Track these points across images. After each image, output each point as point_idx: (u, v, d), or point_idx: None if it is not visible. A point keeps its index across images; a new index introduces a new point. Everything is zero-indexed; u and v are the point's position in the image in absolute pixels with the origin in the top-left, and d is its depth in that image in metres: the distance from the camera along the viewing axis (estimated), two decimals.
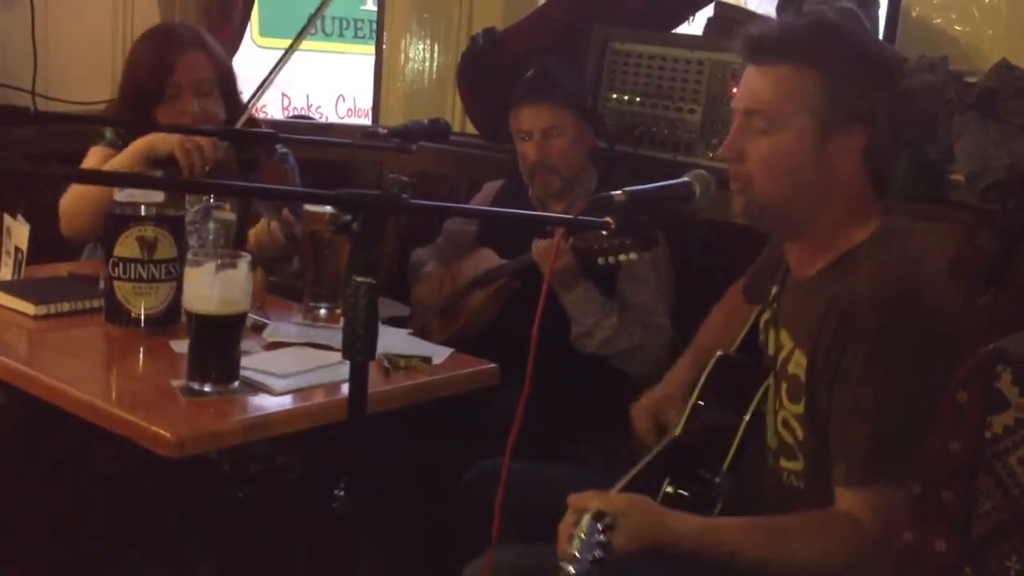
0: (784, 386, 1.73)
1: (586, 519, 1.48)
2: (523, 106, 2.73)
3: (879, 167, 1.69)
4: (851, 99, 1.64)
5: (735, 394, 1.81)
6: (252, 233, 2.46)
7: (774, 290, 1.85)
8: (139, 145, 2.52)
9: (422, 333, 2.53)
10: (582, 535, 1.45)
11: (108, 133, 2.74)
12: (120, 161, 2.53)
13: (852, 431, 1.57)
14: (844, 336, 1.58)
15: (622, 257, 2.14)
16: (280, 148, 2.83)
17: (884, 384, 1.55)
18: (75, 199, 2.58)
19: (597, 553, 1.42)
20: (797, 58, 1.65)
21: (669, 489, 1.76)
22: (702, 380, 1.88)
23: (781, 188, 1.67)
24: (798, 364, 1.68)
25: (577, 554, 1.42)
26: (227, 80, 2.76)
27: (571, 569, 1.40)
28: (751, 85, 1.70)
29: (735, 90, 1.80)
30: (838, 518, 1.57)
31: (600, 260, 2.18)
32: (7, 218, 2.39)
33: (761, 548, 1.57)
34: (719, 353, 1.90)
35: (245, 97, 2.79)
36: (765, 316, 1.86)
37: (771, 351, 1.80)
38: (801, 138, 1.64)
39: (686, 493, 1.74)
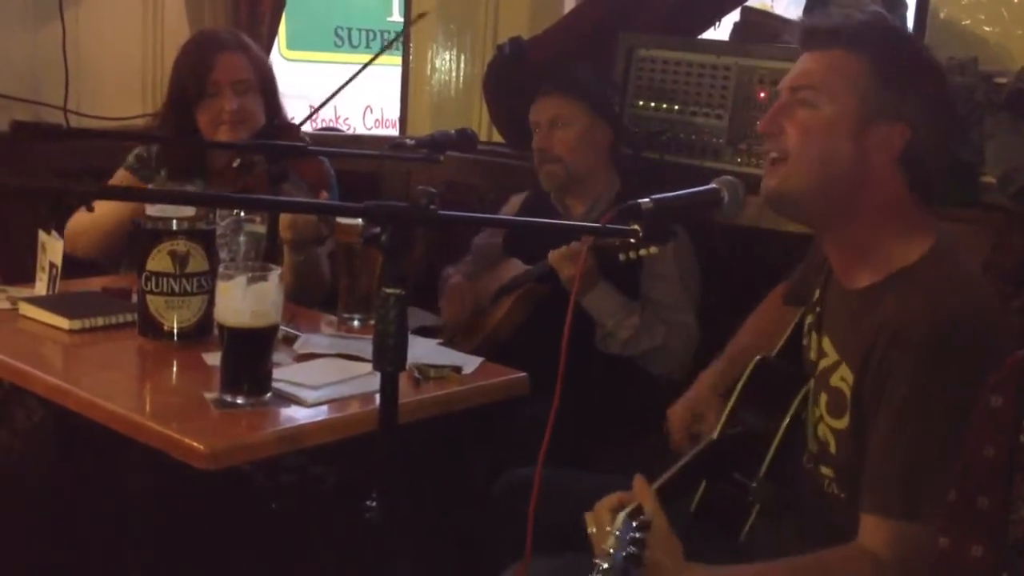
0: (824, 397, 1.70)
1: (621, 516, 1.48)
2: (535, 99, 2.80)
3: (919, 173, 1.65)
4: (898, 95, 1.62)
5: (774, 398, 1.80)
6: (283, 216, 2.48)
7: (817, 293, 1.82)
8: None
9: (452, 343, 2.54)
10: (617, 532, 1.45)
11: (131, 158, 2.80)
12: None
13: (889, 459, 1.53)
14: (894, 358, 1.54)
15: (643, 252, 2.13)
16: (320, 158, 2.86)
17: (929, 413, 1.51)
18: (78, 221, 2.67)
19: (631, 550, 1.41)
20: (851, 44, 1.64)
21: (705, 488, 1.76)
22: (741, 384, 1.86)
23: (813, 167, 1.64)
24: (843, 379, 1.65)
25: (611, 551, 1.42)
26: (267, 82, 2.81)
27: (604, 564, 1.39)
28: (802, 66, 1.69)
29: (763, 95, 1.79)
30: (857, 559, 1.53)
31: (621, 256, 2.18)
32: (42, 234, 2.42)
33: None
34: (758, 357, 1.89)
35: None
36: (809, 319, 1.84)
37: (812, 356, 1.78)
38: (842, 117, 1.62)
39: (722, 495, 1.73)
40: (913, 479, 1.51)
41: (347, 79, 2.54)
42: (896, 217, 1.65)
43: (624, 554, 1.40)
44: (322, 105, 2.72)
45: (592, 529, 1.57)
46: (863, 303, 1.66)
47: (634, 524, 1.45)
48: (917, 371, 1.52)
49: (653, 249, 2.11)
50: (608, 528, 1.50)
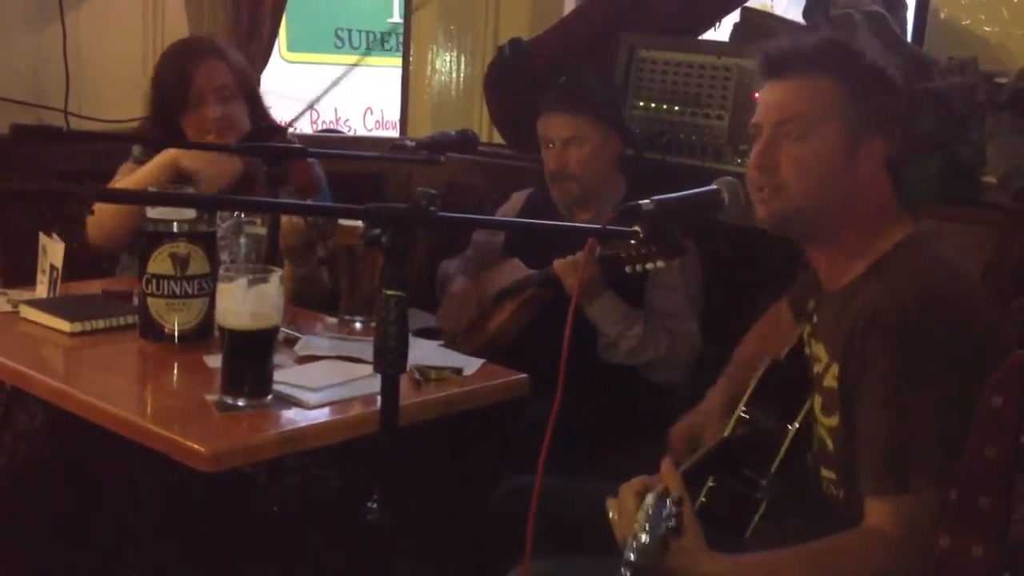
0: (819, 399, 1.72)
1: (651, 497, 1.47)
2: (547, 114, 2.76)
3: (899, 175, 1.71)
4: (871, 109, 1.68)
5: (785, 399, 1.81)
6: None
7: (811, 304, 1.85)
8: (163, 160, 2.60)
9: (453, 345, 2.54)
10: (649, 511, 1.43)
11: (136, 151, 2.80)
12: (145, 173, 2.61)
13: (874, 439, 1.56)
14: (869, 344, 1.57)
15: (649, 265, 2.13)
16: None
17: (907, 391, 1.53)
18: (102, 211, 2.65)
19: (671, 524, 1.40)
20: (818, 69, 1.69)
21: (713, 484, 1.76)
22: (753, 385, 1.88)
23: (813, 194, 1.68)
24: (833, 376, 1.67)
25: (646, 527, 1.39)
26: (248, 86, 2.80)
27: (642, 538, 1.37)
28: (776, 98, 1.72)
29: (757, 95, 1.80)
30: (865, 539, 1.55)
31: (628, 268, 2.18)
32: (42, 237, 2.42)
33: None
34: (770, 359, 1.90)
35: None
36: (807, 329, 1.86)
37: (813, 364, 1.80)
38: (834, 144, 1.67)
39: (728, 493, 1.73)
40: (898, 454, 1.53)
41: (339, 76, 2.54)
42: (880, 217, 1.70)
43: (663, 528, 1.38)
44: (312, 103, 2.72)
45: (614, 515, 1.58)
46: (845, 299, 1.69)
47: (667, 501, 1.45)
48: (890, 353, 1.55)
49: (660, 263, 2.12)
50: (634, 511, 1.49)
